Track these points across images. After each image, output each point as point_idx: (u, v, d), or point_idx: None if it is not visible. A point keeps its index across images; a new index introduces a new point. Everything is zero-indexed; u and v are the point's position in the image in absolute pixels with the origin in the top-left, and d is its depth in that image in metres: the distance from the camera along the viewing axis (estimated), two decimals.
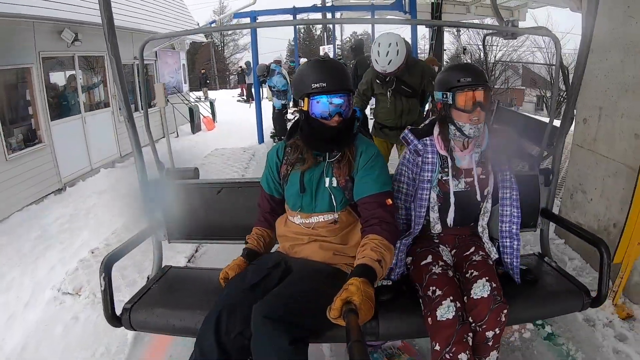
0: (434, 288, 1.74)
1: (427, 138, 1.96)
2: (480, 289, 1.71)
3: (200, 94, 14.36)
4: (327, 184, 1.85)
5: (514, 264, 1.96)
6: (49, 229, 5.02)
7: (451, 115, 1.87)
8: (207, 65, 25.51)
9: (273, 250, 2.08)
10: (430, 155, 1.94)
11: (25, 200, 5.68)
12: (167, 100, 7.15)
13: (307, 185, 1.86)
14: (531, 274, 2.02)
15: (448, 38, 11.14)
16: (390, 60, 3.34)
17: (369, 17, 8.34)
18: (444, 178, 1.92)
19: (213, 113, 12.01)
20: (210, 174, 6.48)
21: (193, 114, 10.77)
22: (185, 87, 11.93)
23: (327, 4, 8.97)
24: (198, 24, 11.35)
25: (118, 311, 1.92)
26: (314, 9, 8.32)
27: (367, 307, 1.43)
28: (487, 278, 1.73)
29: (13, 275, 3.92)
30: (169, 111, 10.18)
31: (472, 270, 1.80)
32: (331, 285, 1.60)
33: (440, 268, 1.83)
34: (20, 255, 4.37)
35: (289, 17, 8.04)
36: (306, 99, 1.79)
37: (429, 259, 1.88)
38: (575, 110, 2.04)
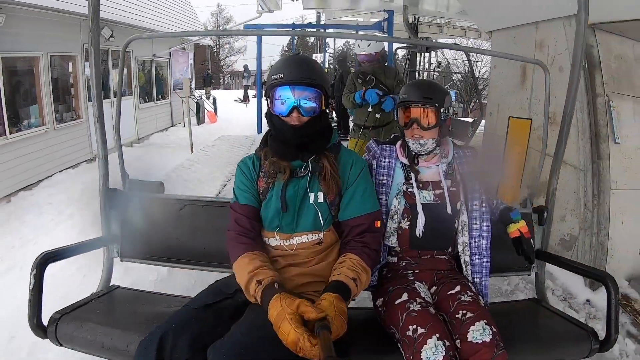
0: (415, 326, 1.48)
1: (387, 145, 1.91)
2: (481, 333, 1.46)
3: (202, 92, 15.78)
4: (312, 200, 1.63)
5: (484, 284, 1.82)
6: (92, 184, 6.10)
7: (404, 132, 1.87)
8: (203, 66, 26.70)
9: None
10: (386, 160, 1.87)
11: (65, 164, 6.97)
12: (192, 91, 8.42)
13: (290, 202, 1.62)
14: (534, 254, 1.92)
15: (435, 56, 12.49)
16: (370, 44, 3.78)
17: (354, 32, 9.81)
18: (409, 190, 1.80)
19: (215, 108, 13.49)
20: (221, 153, 7.84)
21: (199, 108, 12.12)
22: (192, 84, 13.32)
23: (321, 22, 10.28)
24: (206, 27, 12.66)
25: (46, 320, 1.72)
26: (309, 26, 9.59)
27: (339, 322, 1.34)
28: (485, 321, 1.49)
29: (71, 210, 5.13)
30: (177, 104, 11.59)
31: (465, 311, 1.55)
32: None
33: (419, 305, 1.57)
34: (71, 200, 5.48)
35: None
36: (270, 95, 1.62)
37: (405, 296, 1.63)
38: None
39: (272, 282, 1.47)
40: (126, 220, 2.10)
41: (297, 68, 1.59)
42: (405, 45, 7.07)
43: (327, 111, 1.72)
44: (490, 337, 1.45)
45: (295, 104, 1.58)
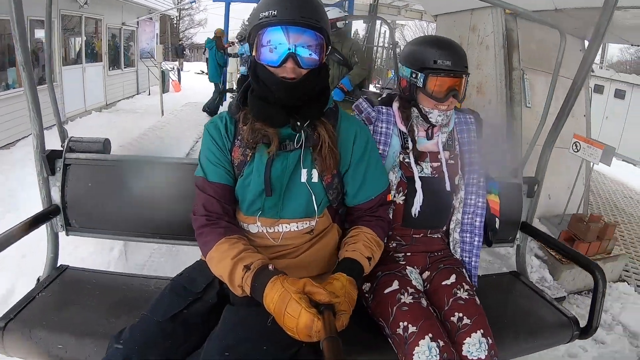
0: (405, 324, 1.36)
1: (384, 107, 1.66)
2: (477, 348, 1.35)
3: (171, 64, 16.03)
4: (304, 178, 1.32)
5: (473, 264, 1.70)
6: None
7: (417, 98, 1.58)
8: (163, 38, 26.33)
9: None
10: (384, 125, 1.62)
11: None
12: (164, 58, 8.78)
13: (276, 182, 1.30)
14: (495, 233, 1.78)
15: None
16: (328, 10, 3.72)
17: None
18: (406, 160, 1.60)
19: (179, 78, 13.90)
20: (190, 116, 8.32)
21: (164, 77, 12.37)
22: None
23: None
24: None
25: None
26: None
27: (346, 310, 1.15)
28: (482, 331, 1.38)
29: None
30: (143, 73, 11.85)
31: (461, 314, 1.43)
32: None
33: (410, 297, 1.45)
34: None
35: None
36: (255, 39, 1.23)
37: (395, 285, 1.50)
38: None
39: (264, 265, 1.20)
40: (70, 187, 1.83)
41: (296, 4, 1.20)
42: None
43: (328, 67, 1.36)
44: (486, 352, 1.35)
45: (291, 51, 1.20)
